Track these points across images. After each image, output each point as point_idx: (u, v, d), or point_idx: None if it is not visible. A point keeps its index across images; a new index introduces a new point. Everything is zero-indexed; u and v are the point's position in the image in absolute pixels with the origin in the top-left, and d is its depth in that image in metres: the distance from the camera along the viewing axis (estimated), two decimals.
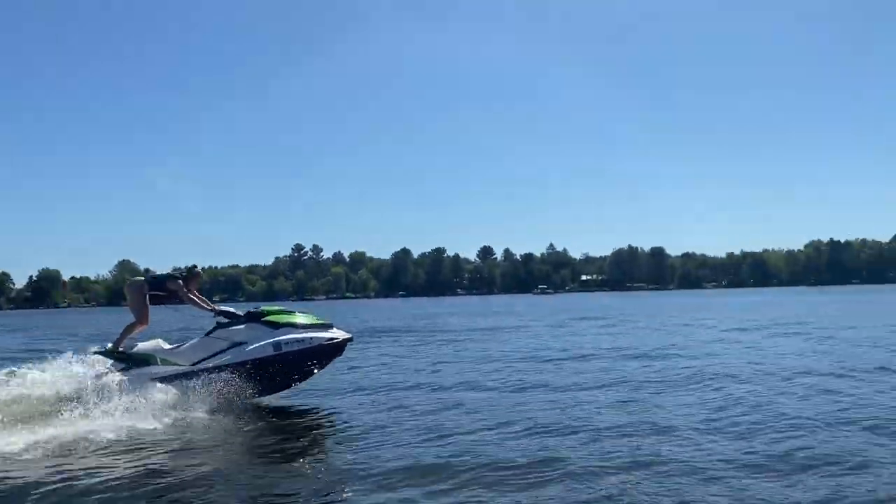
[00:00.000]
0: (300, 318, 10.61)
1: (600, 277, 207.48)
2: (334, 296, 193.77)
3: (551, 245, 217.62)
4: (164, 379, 9.74)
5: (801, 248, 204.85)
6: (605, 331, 27.73)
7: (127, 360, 10.11)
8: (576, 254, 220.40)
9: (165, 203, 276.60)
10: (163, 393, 9.42)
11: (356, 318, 44.50)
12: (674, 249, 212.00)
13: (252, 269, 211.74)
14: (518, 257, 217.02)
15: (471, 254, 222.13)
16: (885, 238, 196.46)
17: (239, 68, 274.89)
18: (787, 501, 5.76)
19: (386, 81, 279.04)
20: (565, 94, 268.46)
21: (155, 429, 8.66)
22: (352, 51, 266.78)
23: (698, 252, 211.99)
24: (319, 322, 10.77)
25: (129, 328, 10.44)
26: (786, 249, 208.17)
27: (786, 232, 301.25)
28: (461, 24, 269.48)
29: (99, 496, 6.26)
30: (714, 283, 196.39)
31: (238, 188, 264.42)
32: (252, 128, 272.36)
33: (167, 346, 10.44)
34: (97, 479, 6.70)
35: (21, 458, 7.46)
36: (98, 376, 9.60)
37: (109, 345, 10.38)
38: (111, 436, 8.22)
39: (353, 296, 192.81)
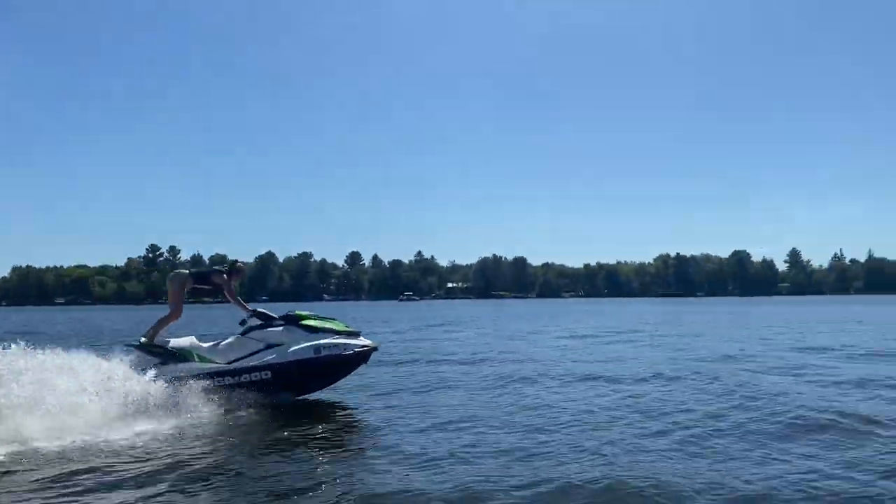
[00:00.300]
0: (335, 325, 10.89)
1: (465, 285, 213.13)
2: (190, 300, 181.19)
3: (419, 253, 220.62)
4: (205, 376, 9.82)
5: (651, 261, 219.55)
6: (446, 336, 28.41)
7: (165, 355, 10.10)
8: (443, 262, 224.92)
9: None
10: (206, 389, 9.50)
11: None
12: (535, 259, 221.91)
13: (103, 271, 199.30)
14: (386, 264, 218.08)
15: (339, 259, 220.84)
16: (724, 254, 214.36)
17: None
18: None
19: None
20: (437, 103, 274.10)
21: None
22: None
23: (558, 262, 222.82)
24: (350, 330, 11.01)
25: (164, 321, 10.41)
26: (637, 262, 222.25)
27: (639, 245, 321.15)
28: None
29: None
30: (572, 293, 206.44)
31: (87, 183, 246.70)
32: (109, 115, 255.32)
33: (202, 343, 10.56)
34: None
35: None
36: (144, 372, 9.53)
37: (143, 338, 10.32)
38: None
39: (210, 300, 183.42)
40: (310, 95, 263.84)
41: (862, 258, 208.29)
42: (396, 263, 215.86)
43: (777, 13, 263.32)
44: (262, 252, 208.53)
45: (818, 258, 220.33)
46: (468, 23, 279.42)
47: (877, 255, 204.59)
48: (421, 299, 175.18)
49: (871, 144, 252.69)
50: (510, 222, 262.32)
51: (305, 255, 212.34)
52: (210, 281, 10.86)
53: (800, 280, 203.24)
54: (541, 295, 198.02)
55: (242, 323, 10.65)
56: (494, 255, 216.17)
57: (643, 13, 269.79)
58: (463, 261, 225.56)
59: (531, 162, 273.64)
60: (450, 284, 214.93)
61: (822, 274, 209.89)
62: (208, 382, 9.69)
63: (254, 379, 10.03)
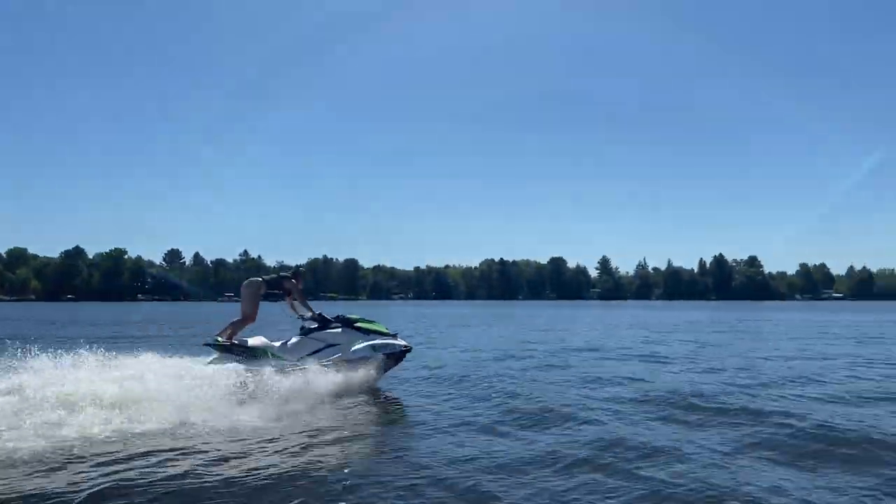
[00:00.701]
0: (379, 327, 12.18)
1: None
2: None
3: (245, 251, 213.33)
4: (283, 372, 10.79)
5: (477, 265, 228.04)
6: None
7: (245, 353, 11.18)
8: (271, 261, 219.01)
9: None
10: (286, 383, 10.42)
11: None
12: (367, 262, 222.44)
13: None
14: (209, 263, 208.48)
15: (156, 257, 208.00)
16: (543, 260, 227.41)
17: None
18: None
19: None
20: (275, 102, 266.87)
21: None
22: None
23: (389, 265, 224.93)
24: (389, 332, 12.26)
25: (239, 323, 11.59)
26: (464, 266, 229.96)
27: (466, 250, 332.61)
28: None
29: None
30: (401, 295, 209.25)
31: None
32: None
33: (273, 343, 11.66)
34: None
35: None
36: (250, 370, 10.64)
37: (219, 338, 11.37)
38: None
39: (8, 298, 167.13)
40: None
41: (663, 266, 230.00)
42: (219, 263, 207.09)
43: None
44: (70, 247, 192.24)
45: (626, 266, 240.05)
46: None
47: (675, 264, 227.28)
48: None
49: (671, 167, 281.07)
50: (342, 224, 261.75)
51: (119, 252, 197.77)
52: (281, 286, 12.17)
53: (609, 286, 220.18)
54: (371, 297, 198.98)
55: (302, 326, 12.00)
56: (325, 256, 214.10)
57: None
58: (292, 261, 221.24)
59: (364, 166, 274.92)
60: None
61: (629, 280, 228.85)
62: (287, 377, 10.69)
63: (325, 374, 11.13)
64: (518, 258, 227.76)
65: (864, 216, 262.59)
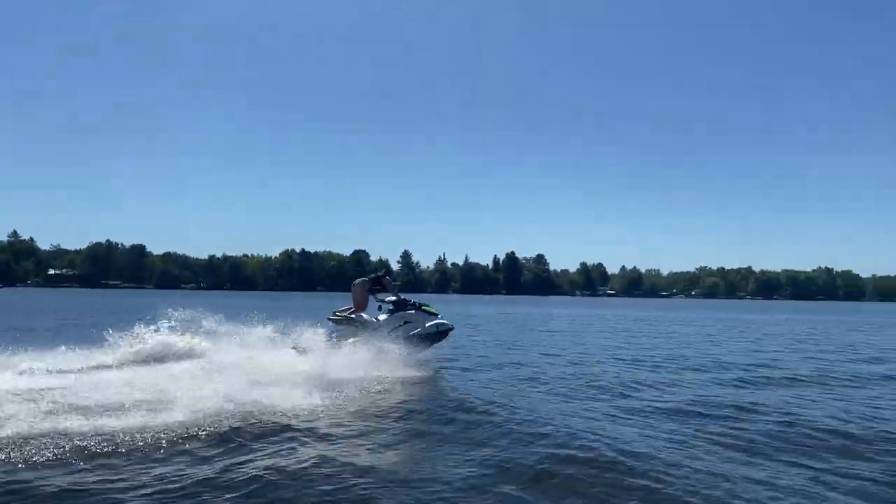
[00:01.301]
0: (434, 310, 16.06)
1: (72, 272, 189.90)
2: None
3: (14, 232, 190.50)
4: (386, 340, 14.77)
5: (277, 255, 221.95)
6: None
7: (359, 326, 15.42)
8: (45, 245, 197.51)
9: None
10: (392, 349, 14.36)
11: None
12: (158, 248, 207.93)
13: None
14: None
15: None
16: (346, 252, 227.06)
17: None
18: None
19: None
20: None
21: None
22: None
23: (181, 252, 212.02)
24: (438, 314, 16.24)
25: (355, 310, 15.87)
26: (264, 256, 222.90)
27: (263, 240, 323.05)
28: None
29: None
30: (193, 285, 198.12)
31: None
32: None
33: (371, 319, 15.64)
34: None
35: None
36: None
37: (336, 314, 15.88)
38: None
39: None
40: None
41: (461, 262, 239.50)
42: None
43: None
44: None
45: (427, 260, 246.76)
46: None
47: (472, 260, 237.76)
48: (15, 286, 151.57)
49: (471, 166, 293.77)
50: (134, 208, 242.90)
51: None
52: (381, 283, 16.14)
53: (409, 279, 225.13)
54: (159, 286, 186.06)
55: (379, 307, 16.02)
56: (108, 241, 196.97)
57: None
58: (71, 245, 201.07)
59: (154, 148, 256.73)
60: (52, 271, 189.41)
61: (429, 274, 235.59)
62: (391, 345, 14.56)
63: (412, 343, 15.28)
64: (321, 249, 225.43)
65: (633, 219, 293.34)
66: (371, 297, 16.09)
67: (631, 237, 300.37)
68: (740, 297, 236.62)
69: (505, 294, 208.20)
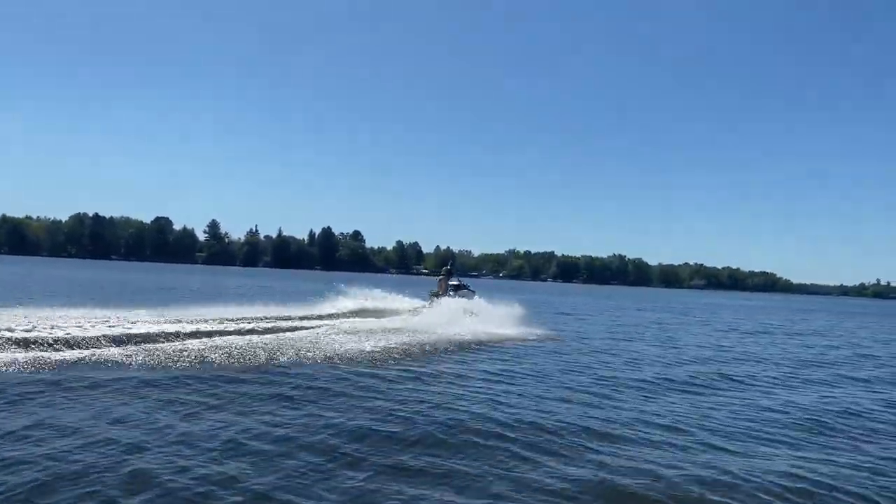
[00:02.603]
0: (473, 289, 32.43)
1: None
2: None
3: None
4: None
5: (66, 219, 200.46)
6: None
7: (445, 297, 30.67)
8: None
9: None
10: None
11: None
12: None
13: None
14: None
15: None
16: (147, 219, 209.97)
17: None
18: None
19: None
20: None
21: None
22: None
23: None
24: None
25: (439, 292, 31.54)
26: (51, 219, 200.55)
27: (51, 202, 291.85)
28: None
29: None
30: None
31: None
32: None
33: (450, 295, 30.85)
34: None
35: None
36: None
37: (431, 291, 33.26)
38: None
39: None
40: None
41: (274, 234, 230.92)
42: None
43: None
44: None
45: (237, 231, 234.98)
46: None
47: (287, 233, 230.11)
48: None
49: (283, 139, 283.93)
50: None
51: None
52: (451, 273, 32.66)
53: (216, 250, 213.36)
54: None
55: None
56: None
57: None
58: None
59: None
60: None
61: (239, 246, 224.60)
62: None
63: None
64: (117, 215, 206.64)
65: (451, 200, 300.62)
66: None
67: (449, 218, 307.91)
68: (543, 280, 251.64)
69: (320, 269, 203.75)
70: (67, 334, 14.85)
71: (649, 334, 29.81)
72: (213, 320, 19.83)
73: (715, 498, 7.48)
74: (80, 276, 57.74)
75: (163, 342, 15.53)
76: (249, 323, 20.02)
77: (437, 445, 8.80)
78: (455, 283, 33.63)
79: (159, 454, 7.80)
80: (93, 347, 14.12)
